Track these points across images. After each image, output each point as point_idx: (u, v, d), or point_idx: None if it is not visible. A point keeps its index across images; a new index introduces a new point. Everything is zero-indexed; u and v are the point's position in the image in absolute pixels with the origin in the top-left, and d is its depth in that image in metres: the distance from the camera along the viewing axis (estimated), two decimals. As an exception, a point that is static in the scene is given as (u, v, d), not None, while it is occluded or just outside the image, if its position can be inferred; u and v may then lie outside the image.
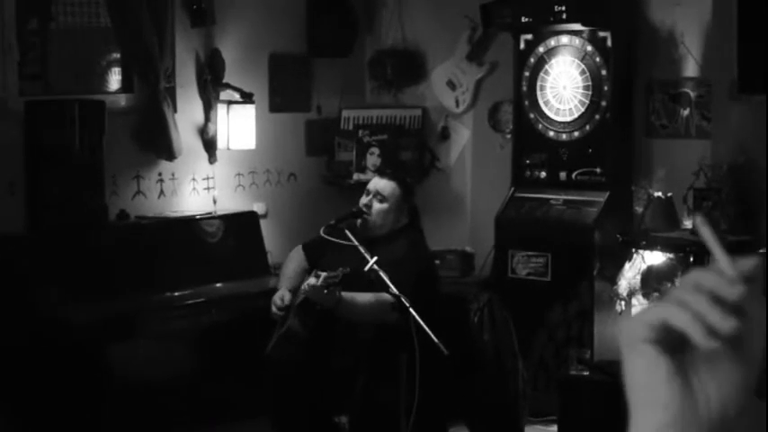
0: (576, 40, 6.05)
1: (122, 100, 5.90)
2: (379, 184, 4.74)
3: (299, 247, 4.94)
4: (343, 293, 4.30)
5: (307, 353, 4.45)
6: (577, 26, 6.00)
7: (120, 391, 5.07)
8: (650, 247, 5.49)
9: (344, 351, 4.46)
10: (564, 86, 6.10)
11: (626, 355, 1.01)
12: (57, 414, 4.92)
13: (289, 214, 6.71)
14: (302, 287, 4.41)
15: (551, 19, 6.02)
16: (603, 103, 5.98)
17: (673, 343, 1.00)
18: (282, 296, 4.61)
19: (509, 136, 6.50)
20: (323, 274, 4.23)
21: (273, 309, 4.60)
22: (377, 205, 4.70)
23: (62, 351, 4.91)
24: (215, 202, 6.26)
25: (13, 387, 5.01)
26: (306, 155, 6.90)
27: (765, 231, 4.91)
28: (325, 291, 4.21)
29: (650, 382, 1.00)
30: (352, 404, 4.34)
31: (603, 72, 5.96)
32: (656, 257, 5.72)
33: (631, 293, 5.80)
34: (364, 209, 4.69)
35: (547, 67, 6.15)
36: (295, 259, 4.89)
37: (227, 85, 6.26)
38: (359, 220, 4.67)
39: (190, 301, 5.51)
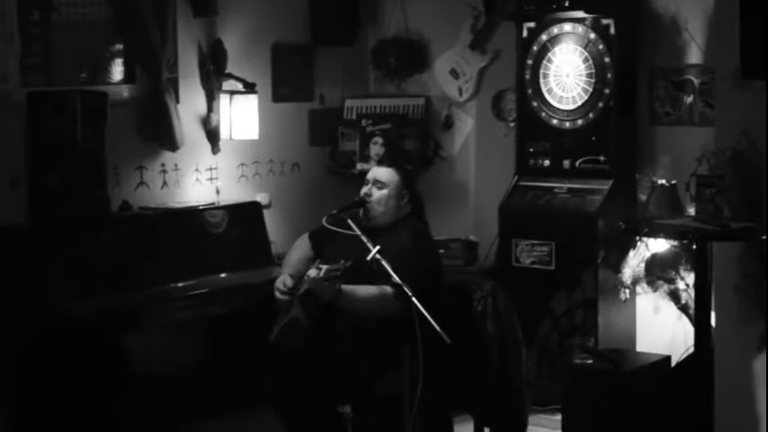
0: (579, 28, 6.03)
1: (125, 91, 5.88)
2: (376, 172, 4.79)
3: (306, 235, 4.95)
4: (344, 286, 4.31)
5: (310, 342, 4.45)
6: (580, 13, 5.99)
7: (126, 383, 5.07)
8: (654, 234, 5.48)
9: (348, 341, 4.46)
10: (567, 74, 6.09)
11: None
12: (62, 406, 4.92)
13: (292, 204, 6.70)
14: (304, 278, 4.41)
15: (554, 6, 6.01)
16: (607, 91, 5.97)
17: None
18: (284, 281, 4.63)
19: (512, 124, 6.49)
20: (324, 267, 4.24)
21: (277, 293, 4.62)
22: (376, 192, 4.73)
23: (66, 343, 4.91)
24: (218, 192, 6.26)
25: (18, 380, 5.01)
26: (309, 145, 6.89)
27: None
28: (326, 283, 4.22)
29: None
30: (355, 394, 4.34)
31: (606, 59, 5.95)
32: (660, 245, 5.71)
33: (635, 281, 5.80)
34: (365, 198, 4.72)
35: (550, 54, 6.14)
36: (300, 247, 4.91)
37: (230, 75, 6.25)
38: (361, 210, 4.69)
39: (193, 292, 5.50)
